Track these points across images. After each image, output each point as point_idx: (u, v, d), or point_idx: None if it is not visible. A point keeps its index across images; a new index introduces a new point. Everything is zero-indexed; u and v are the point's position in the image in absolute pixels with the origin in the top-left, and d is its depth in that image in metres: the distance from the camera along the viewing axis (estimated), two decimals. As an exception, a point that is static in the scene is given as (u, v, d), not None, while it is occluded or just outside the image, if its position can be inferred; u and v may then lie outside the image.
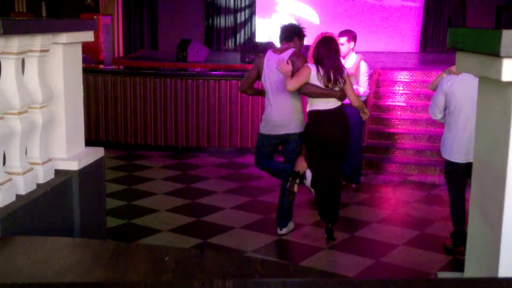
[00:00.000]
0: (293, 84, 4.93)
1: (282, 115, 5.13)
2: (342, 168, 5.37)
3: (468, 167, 4.53)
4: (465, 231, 4.62)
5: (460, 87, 4.68)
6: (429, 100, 8.60)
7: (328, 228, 5.22)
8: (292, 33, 5.22)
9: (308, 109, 5.11)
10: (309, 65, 5.00)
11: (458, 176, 4.87)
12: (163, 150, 8.40)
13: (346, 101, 5.17)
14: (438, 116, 4.94)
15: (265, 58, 5.20)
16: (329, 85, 4.95)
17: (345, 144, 5.10)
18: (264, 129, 5.24)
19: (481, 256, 2.05)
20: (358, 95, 6.45)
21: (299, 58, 5.07)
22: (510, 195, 1.84)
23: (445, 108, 4.88)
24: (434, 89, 5.02)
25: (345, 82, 5.02)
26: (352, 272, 4.62)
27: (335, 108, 5.03)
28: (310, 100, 5.08)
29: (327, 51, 4.96)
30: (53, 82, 3.48)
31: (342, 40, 6.26)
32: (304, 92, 5.01)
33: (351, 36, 6.38)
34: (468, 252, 2.19)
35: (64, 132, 3.58)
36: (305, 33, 5.30)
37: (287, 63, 5.01)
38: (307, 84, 4.95)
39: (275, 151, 5.38)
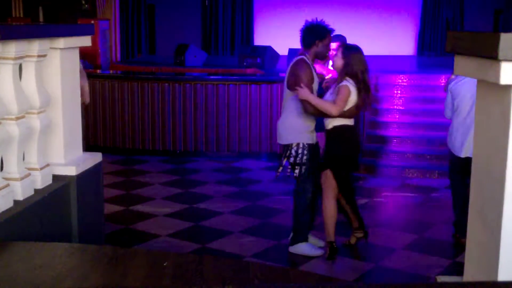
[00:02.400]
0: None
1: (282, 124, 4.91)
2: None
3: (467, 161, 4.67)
4: (462, 221, 4.74)
5: (463, 84, 4.91)
6: (427, 104, 8.72)
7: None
8: (310, 38, 4.75)
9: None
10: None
11: (455, 167, 5.15)
12: (161, 154, 8.39)
13: None
14: (449, 114, 5.18)
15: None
16: None
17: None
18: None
19: (480, 260, 2.04)
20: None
21: (296, 68, 4.73)
22: (509, 199, 1.83)
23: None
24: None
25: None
26: (352, 276, 4.61)
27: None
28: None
29: None
30: (51, 87, 3.47)
31: (334, 45, 6.27)
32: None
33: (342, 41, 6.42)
34: (467, 256, 2.18)
35: (62, 137, 3.57)
36: (328, 29, 4.77)
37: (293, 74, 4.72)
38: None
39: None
